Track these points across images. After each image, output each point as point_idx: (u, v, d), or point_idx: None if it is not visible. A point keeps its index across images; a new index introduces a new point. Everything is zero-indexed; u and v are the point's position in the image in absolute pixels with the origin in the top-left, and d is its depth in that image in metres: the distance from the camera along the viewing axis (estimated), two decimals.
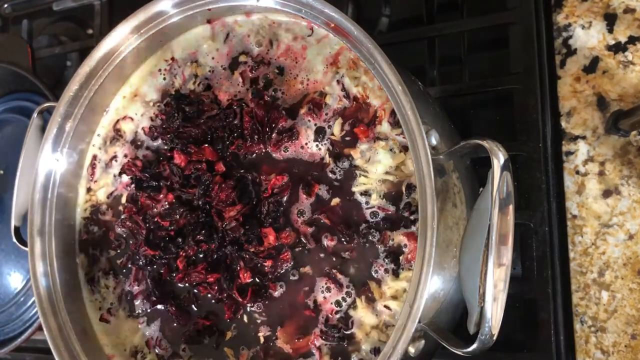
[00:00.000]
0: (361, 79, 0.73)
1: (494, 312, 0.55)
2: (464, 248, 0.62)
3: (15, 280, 1.11)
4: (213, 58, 0.83)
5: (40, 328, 0.86)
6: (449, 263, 0.64)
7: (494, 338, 0.56)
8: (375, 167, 0.71)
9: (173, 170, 0.79)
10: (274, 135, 0.76)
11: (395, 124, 0.70)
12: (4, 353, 1.06)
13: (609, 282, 0.79)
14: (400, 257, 0.68)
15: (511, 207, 0.57)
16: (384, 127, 0.71)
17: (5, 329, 1.10)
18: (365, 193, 0.71)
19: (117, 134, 0.88)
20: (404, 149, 0.69)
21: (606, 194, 0.81)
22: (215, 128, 0.79)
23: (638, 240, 0.79)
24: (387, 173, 0.70)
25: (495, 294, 0.55)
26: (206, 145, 0.78)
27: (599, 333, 0.79)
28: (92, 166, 0.90)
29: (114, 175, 0.88)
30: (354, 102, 0.73)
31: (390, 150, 0.70)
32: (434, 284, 0.61)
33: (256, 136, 0.76)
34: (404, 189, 0.69)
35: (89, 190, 0.90)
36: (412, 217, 0.68)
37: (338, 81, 0.74)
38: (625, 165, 0.80)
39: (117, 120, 0.89)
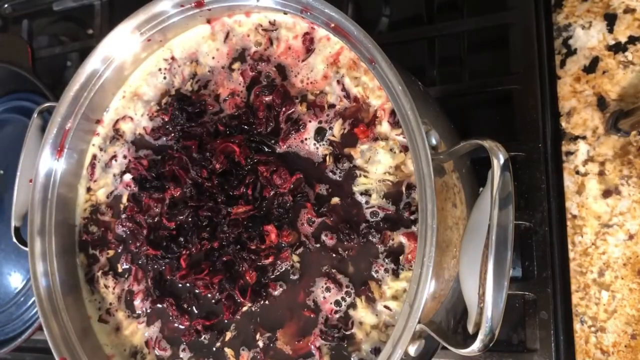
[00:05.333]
0: (361, 79, 0.73)
1: (494, 312, 0.55)
2: (464, 248, 0.62)
3: (15, 280, 1.11)
4: (213, 58, 0.83)
5: (40, 328, 0.86)
6: (449, 263, 0.64)
7: (494, 338, 0.56)
8: (375, 167, 0.71)
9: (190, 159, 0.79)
10: (283, 125, 0.76)
11: (395, 124, 0.70)
12: (4, 353, 1.06)
13: (609, 282, 0.79)
14: (400, 257, 0.68)
15: (511, 207, 0.57)
16: (384, 127, 0.71)
17: (5, 329, 1.10)
18: (366, 193, 0.71)
19: (116, 134, 0.89)
20: (404, 149, 0.69)
21: (606, 194, 0.81)
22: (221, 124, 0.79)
23: (638, 240, 0.79)
24: (387, 173, 0.70)
25: (495, 294, 0.55)
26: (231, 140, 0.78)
27: (599, 333, 0.79)
28: (92, 166, 0.90)
29: (114, 175, 0.88)
30: (354, 102, 0.73)
31: (391, 150, 0.70)
32: (434, 284, 0.61)
33: (270, 124, 0.76)
34: (404, 189, 0.69)
35: (88, 190, 0.90)
36: (412, 217, 0.68)
37: (338, 81, 0.74)
38: (625, 165, 0.80)
39: (117, 120, 0.89)
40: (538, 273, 0.82)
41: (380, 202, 0.70)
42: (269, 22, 0.79)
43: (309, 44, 0.76)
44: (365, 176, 0.71)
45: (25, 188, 0.90)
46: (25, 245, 0.85)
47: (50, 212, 0.86)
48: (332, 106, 0.74)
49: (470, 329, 0.59)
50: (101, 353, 0.84)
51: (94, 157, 0.90)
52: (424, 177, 0.59)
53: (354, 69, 0.73)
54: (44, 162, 0.86)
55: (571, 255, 0.82)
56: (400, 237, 0.69)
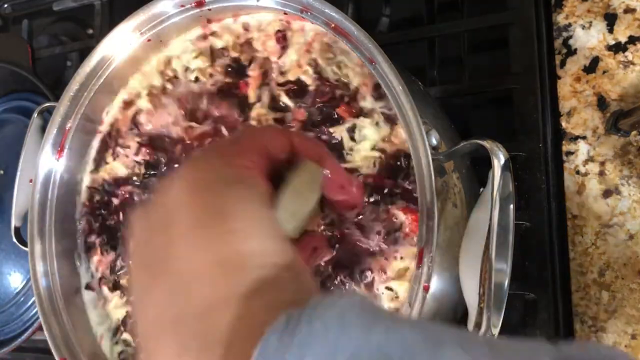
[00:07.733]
0: (336, 59, 0.71)
1: (494, 312, 0.55)
2: (464, 248, 0.62)
3: (15, 280, 1.11)
4: (211, 75, 0.82)
5: (40, 328, 0.86)
6: (449, 263, 0.65)
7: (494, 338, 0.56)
8: (362, 144, 0.70)
9: None
10: None
11: (379, 97, 0.69)
12: (4, 353, 1.06)
13: (609, 282, 0.79)
14: (398, 234, 0.67)
15: (511, 208, 0.57)
16: (368, 101, 0.69)
17: (5, 329, 1.09)
18: (356, 170, 0.70)
19: (118, 134, 0.88)
20: (390, 121, 0.69)
21: (606, 194, 0.81)
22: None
23: (638, 241, 0.79)
24: (375, 148, 0.69)
25: (495, 294, 0.55)
26: None
27: (599, 333, 0.79)
28: (93, 164, 0.89)
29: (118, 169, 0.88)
30: (328, 83, 0.71)
31: (376, 124, 0.69)
32: (434, 284, 0.61)
33: None
34: (394, 162, 0.68)
35: (89, 189, 0.90)
36: (409, 187, 0.66)
37: (310, 64, 0.73)
38: (625, 165, 0.80)
39: (119, 120, 0.88)
40: (538, 273, 0.82)
41: (371, 176, 0.69)
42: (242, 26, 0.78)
43: (282, 42, 0.75)
44: (351, 154, 0.70)
45: (25, 188, 0.90)
46: (25, 245, 0.85)
47: (50, 212, 0.86)
48: (305, 90, 0.72)
49: (471, 329, 0.60)
50: (100, 353, 0.84)
51: (95, 156, 0.90)
52: (424, 178, 0.59)
53: (328, 51, 0.72)
54: (44, 162, 0.86)
55: (571, 255, 0.82)
56: (397, 212, 0.68)
